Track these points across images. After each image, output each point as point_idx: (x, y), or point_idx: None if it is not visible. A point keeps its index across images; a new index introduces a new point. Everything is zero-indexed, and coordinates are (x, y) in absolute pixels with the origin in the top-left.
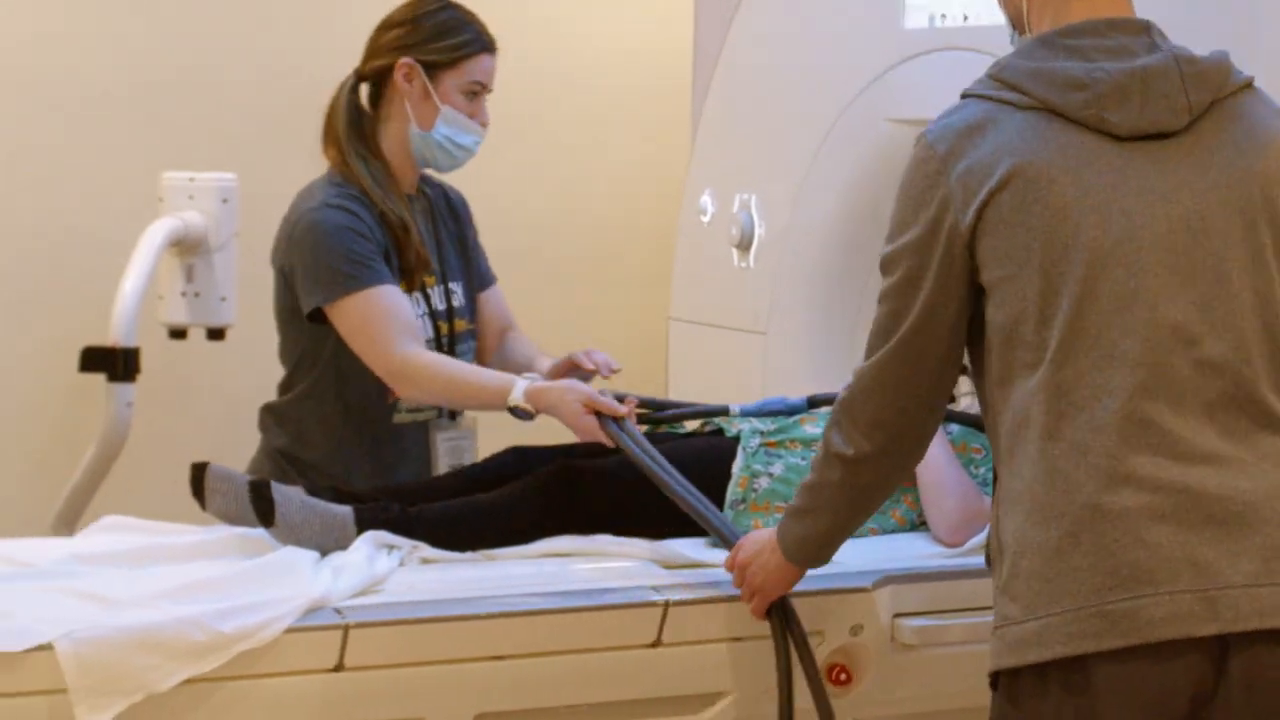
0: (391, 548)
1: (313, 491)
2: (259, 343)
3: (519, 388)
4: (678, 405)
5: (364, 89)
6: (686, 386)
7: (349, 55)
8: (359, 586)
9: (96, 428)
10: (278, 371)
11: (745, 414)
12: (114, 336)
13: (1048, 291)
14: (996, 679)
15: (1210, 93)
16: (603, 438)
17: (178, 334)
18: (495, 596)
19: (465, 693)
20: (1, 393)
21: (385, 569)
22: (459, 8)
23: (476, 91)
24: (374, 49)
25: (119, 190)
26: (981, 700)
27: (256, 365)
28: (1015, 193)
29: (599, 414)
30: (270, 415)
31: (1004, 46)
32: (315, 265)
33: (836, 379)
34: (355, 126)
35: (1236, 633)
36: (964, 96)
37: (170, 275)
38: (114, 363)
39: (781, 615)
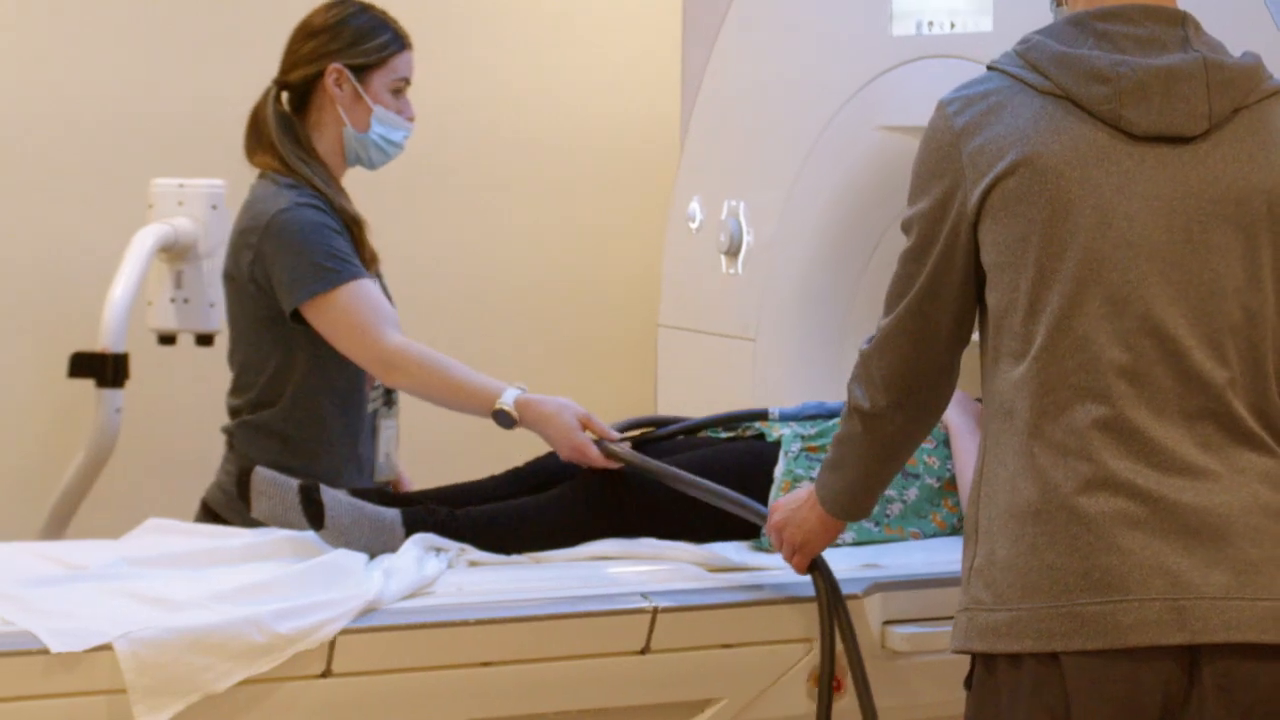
0: (439, 550)
1: (356, 494)
2: None
3: (509, 395)
4: (679, 420)
5: (285, 96)
6: (675, 393)
7: None
8: (410, 588)
9: (86, 433)
10: None
11: (784, 418)
12: (103, 342)
13: (1039, 285)
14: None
15: (1234, 100)
16: (590, 456)
17: (167, 340)
18: (502, 602)
19: (454, 699)
20: None
21: (434, 571)
22: (372, 8)
23: (401, 88)
24: (296, 58)
25: (109, 196)
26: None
27: None
28: (1021, 181)
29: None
30: (248, 432)
31: (989, 53)
32: (297, 263)
33: (826, 385)
34: (288, 133)
35: (1204, 644)
36: (989, 68)
37: (159, 281)
38: (103, 368)
39: (824, 571)
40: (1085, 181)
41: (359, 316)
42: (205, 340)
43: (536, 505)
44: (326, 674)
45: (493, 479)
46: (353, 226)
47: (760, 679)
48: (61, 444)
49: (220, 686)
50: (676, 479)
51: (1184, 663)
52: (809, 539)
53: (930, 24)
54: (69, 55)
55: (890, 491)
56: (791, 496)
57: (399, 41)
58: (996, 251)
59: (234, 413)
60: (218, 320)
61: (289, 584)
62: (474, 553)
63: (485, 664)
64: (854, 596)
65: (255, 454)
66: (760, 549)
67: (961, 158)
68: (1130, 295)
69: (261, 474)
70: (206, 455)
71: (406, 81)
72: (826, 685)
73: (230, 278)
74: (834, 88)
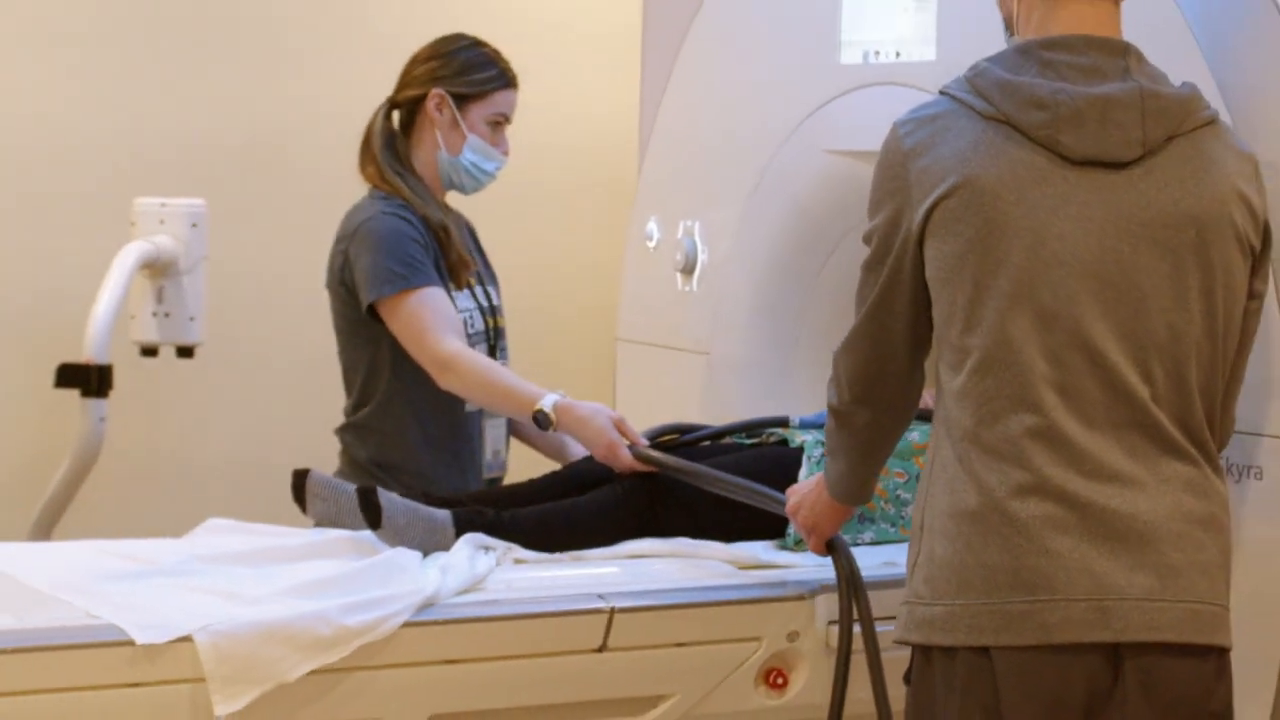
0: (488, 549)
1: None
2: (225, 361)
3: (548, 399)
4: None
5: (396, 114)
6: (634, 404)
7: (312, 92)
8: (463, 585)
9: (71, 441)
10: (243, 387)
11: (804, 425)
12: (88, 354)
13: (976, 300)
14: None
15: (1168, 128)
16: (622, 457)
17: (149, 352)
18: (491, 601)
19: (420, 695)
20: None
21: (484, 569)
22: (485, 45)
23: (499, 123)
24: (407, 79)
25: (93, 215)
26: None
27: (223, 382)
28: (960, 202)
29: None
30: (350, 433)
31: (933, 82)
32: (373, 266)
33: (777, 398)
34: (390, 148)
35: (1128, 642)
36: (940, 93)
37: (142, 296)
38: (88, 379)
39: (844, 553)
40: (1021, 203)
41: (421, 320)
42: (186, 352)
43: (576, 507)
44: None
45: (533, 482)
46: (440, 233)
47: (711, 676)
48: (48, 450)
49: (292, 676)
50: (703, 477)
51: (1108, 660)
52: (819, 521)
53: (877, 53)
54: (57, 80)
55: (905, 494)
56: (805, 483)
57: (503, 79)
58: (937, 268)
59: (345, 415)
60: (197, 333)
61: (352, 580)
62: (520, 551)
63: (450, 661)
64: (802, 597)
65: (359, 453)
66: (784, 548)
67: (909, 177)
68: (1061, 311)
69: (316, 477)
70: (186, 461)
71: (505, 117)
72: (844, 661)
73: (329, 284)
74: (785, 113)
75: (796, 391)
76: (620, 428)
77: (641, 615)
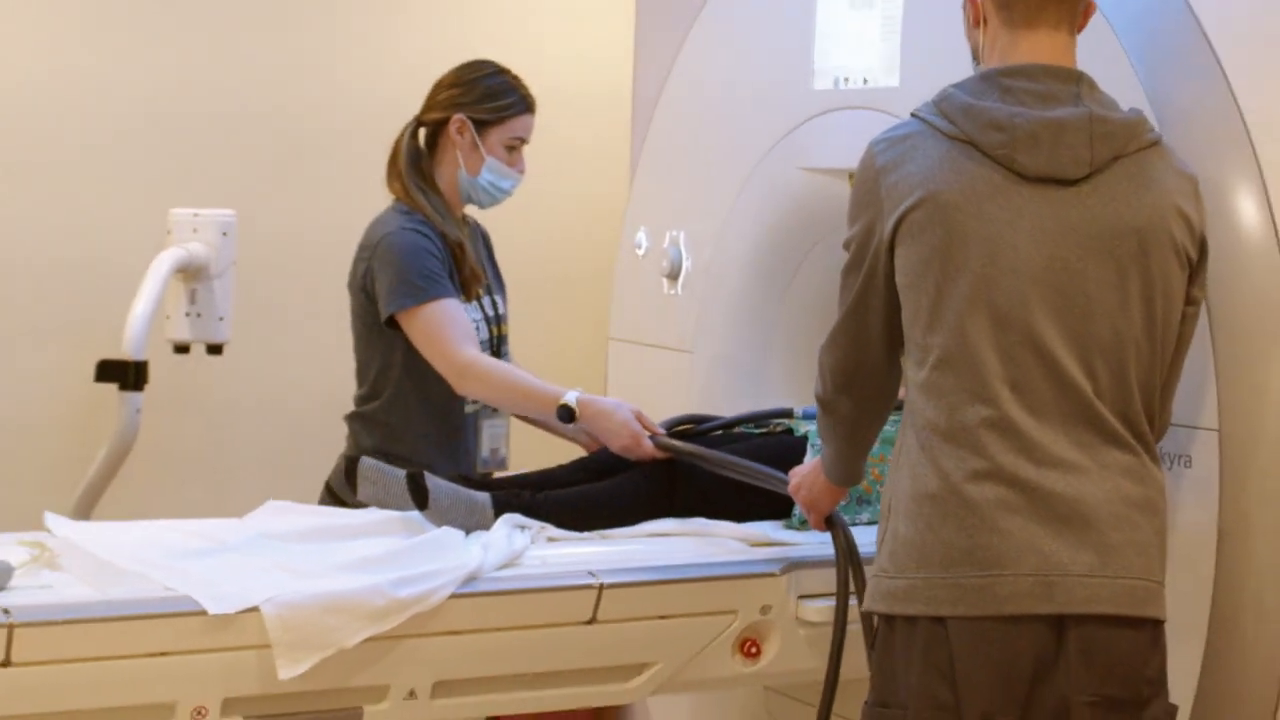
0: (524, 528)
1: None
2: (251, 358)
3: (571, 395)
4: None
5: (421, 132)
6: (624, 398)
7: (337, 108)
8: (503, 560)
9: (109, 430)
10: (266, 382)
11: (807, 416)
12: (126, 351)
13: (938, 303)
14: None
15: (1114, 149)
16: (644, 446)
17: (182, 349)
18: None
19: (425, 663)
20: (27, 399)
21: (521, 545)
22: (506, 72)
23: (516, 146)
24: (432, 102)
25: (132, 224)
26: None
27: (249, 377)
28: (924, 213)
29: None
30: (359, 422)
31: (897, 106)
32: (393, 279)
33: (754, 392)
34: (415, 165)
35: (1071, 614)
36: (912, 115)
37: (176, 298)
38: (125, 374)
39: (841, 528)
40: (979, 215)
41: (440, 330)
42: (215, 350)
43: (604, 490)
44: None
45: (563, 467)
46: (455, 250)
47: (691, 646)
48: (89, 439)
49: (350, 643)
50: (716, 462)
51: (1053, 629)
52: (817, 500)
53: (846, 79)
54: (99, 99)
55: None
56: (805, 466)
57: (521, 105)
58: (904, 274)
59: (355, 403)
60: (226, 332)
61: (404, 556)
62: (553, 530)
63: (453, 632)
64: (774, 574)
65: (365, 440)
66: (790, 527)
67: (881, 191)
68: (1014, 314)
69: (367, 463)
70: (214, 449)
71: (522, 140)
72: (840, 627)
73: (351, 287)
74: (763, 133)
75: (772, 386)
76: (640, 419)
77: (627, 590)
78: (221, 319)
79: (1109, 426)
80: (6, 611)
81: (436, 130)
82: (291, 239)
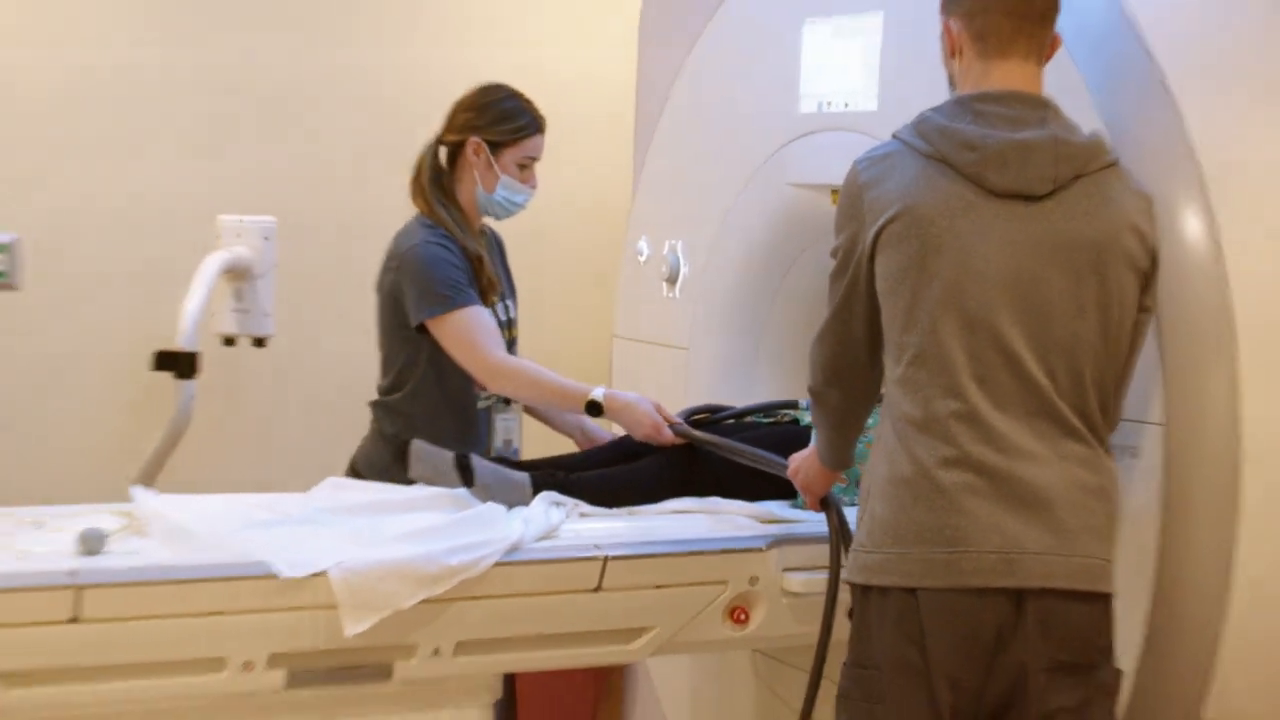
0: (559, 504)
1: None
2: (291, 350)
3: (598, 391)
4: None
5: (442, 151)
6: (627, 389)
7: (367, 126)
8: (541, 533)
9: (166, 414)
10: (305, 372)
11: (809, 406)
12: (180, 343)
13: (913, 307)
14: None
15: (1076, 169)
16: (664, 434)
17: (229, 342)
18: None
19: (449, 625)
20: (92, 386)
21: (557, 520)
22: (519, 96)
23: (528, 164)
24: (451, 124)
25: (186, 229)
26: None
27: (289, 367)
28: (902, 225)
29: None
30: (382, 409)
31: (875, 128)
32: (422, 289)
33: (744, 386)
34: (436, 182)
35: (1030, 588)
36: (893, 136)
37: (223, 296)
38: (180, 363)
39: (835, 509)
40: (952, 227)
41: (469, 335)
42: (259, 343)
43: (630, 472)
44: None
45: (591, 452)
46: (474, 261)
47: (686, 612)
48: (148, 421)
49: (406, 604)
50: (727, 448)
51: (1013, 601)
52: (812, 482)
53: (829, 103)
54: (156, 121)
55: None
56: (803, 452)
57: (533, 127)
58: (883, 280)
59: (378, 393)
60: (269, 327)
61: (454, 528)
62: (585, 507)
63: (474, 598)
64: (761, 549)
65: (387, 427)
66: (796, 506)
67: (863, 205)
68: (982, 317)
69: (418, 445)
70: (260, 431)
71: (533, 159)
72: (832, 598)
73: (378, 291)
74: (753, 151)
75: (760, 381)
76: (659, 410)
77: (629, 562)
78: (265, 315)
79: (1067, 420)
80: (74, 574)
81: (455, 150)
82: (326, 244)
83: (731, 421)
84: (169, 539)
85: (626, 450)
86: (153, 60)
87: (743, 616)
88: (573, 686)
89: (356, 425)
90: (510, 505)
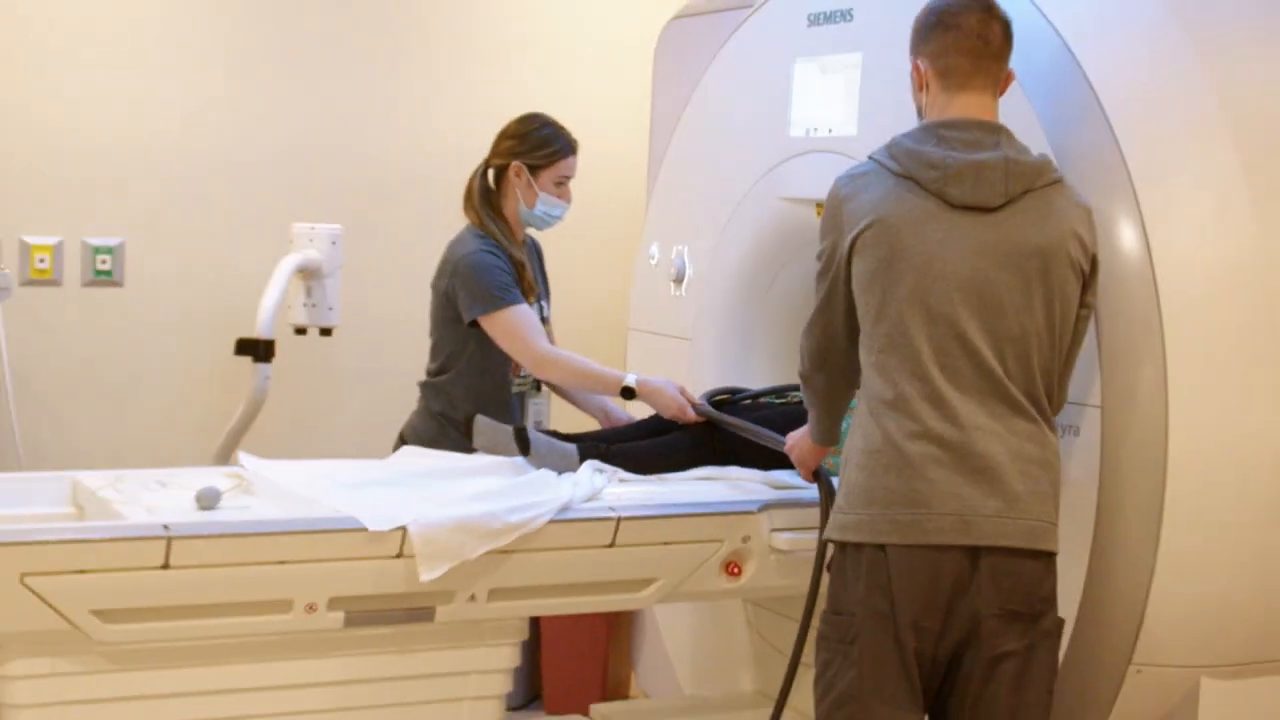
0: (601, 471)
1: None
2: (353, 339)
3: (631, 377)
4: (757, 391)
5: (489, 172)
6: (640, 373)
7: (418, 150)
8: (588, 495)
9: (245, 393)
10: (364, 358)
11: None
12: (258, 331)
13: (884, 303)
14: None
15: (1024, 185)
16: (688, 414)
17: (300, 331)
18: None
19: (483, 574)
20: (183, 368)
21: (601, 485)
22: (554, 124)
23: (563, 182)
24: (496, 150)
25: (264, 235)
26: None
27: (351, 353)
28: (874, 233)
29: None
30: (429, 389)
31: (854, 150)
32: (475, 290)
33: (739, 372)
34: (485, 199)
35: (983, 546)
36: (869, 158)
37: (296, 292)
38: (257, 349)
39: (824, 479)
40: (917, 235)
41: (518, 330)
42: (326, 332)
43: (660, 444)
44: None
45: (628, 427)
46: (518, 268)
47: (687, 566)
48: (229, 399)
49: (473, 555)
50: (738, 426)
51: (968, 557)
52: (805, 457)
53: (815, 129)
54: (240, 139)
55: None
56: (799, 430)
57: (567, 150)
58: (858, 279)
59: (426, 374)
60: (335, 319)
61: (514, 490)
62: (623, 474)
63: (504, 551)
64: (753, 512)
65: (433, 405)
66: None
67: (842, 216)
68: (943, 312)
69: (481, 419)
70: (326, 408)
71: (567, 177)
72: (820, 558)
73: (434, 288)
74: (750, 170)
75: (753, 367)
76: (684, 393)
77: (639, 523)
78: (331, 308)
79: (1016, 401)
80: (166, 527)
81: (500, 172)
82: (385, 249)
83: (748, 402)
84: (272, 497)
85: (656, 427)
86: (237, 95)
87: (736, 570)
88: (589, 629)
89: (405, 404)
90: (560, 472)
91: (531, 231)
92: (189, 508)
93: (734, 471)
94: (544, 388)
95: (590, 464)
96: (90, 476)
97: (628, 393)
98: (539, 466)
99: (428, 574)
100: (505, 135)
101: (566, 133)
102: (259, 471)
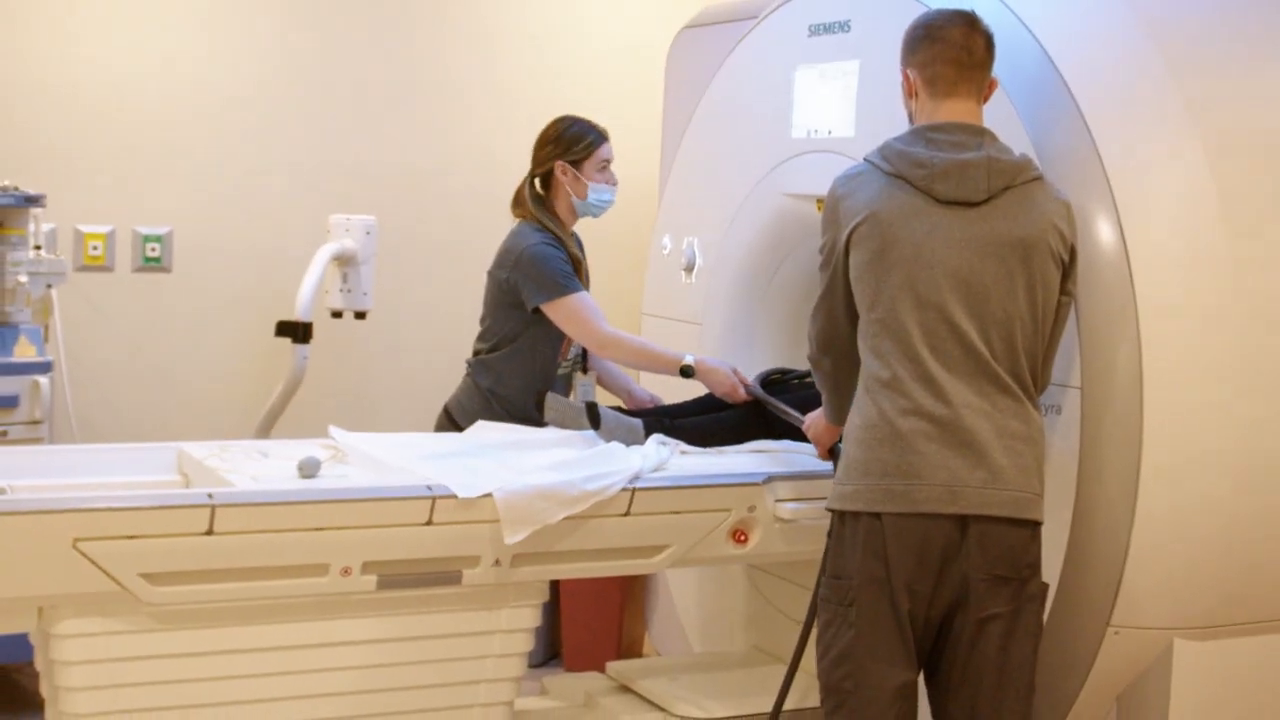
0: (665, 444)
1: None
2: (387, 322)
3: (689, 358)
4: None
5: (536, 180)
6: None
7: (454, 142)
8: (654, 466)
9: (284, 372)
10: (398, 339)
11: None
12: (297, 314)
13: (878, 291)
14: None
15: (1005, 181)
16: (739, 394)
17: (337, 315)
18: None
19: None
20: (226, 348)
21: (666, 456)
22: (582, 120)
23: (605, 166)
24: (538, 158)
25: (304, 225)
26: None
27: (386, 336)
28: (868, 227)
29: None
30: (479, 366)
31: (851, 150)
32: (540, 279)
33: (745, 355)
34: (538, 204)
35: (970, 515)
36: (864, 159)
37: (333, 278)
38: (296, 331)
39: (836, 455)
40: (907, 229)
41: (581, 315)
42: (361, 316)
43: (720, 419)
44: (429, 524)
45: (687, 403)
46: (574, 259)
47: (697, 533)
48: (269, 378)
49: (552, 520)
50: (771, 405)
51: (957, 526)
52: (820, 435)
53: (815, 131)
54: (281, 138)
55: None
56: (816, 410)
57: (599, 139)
58: (854, 270)
59: (475, 353)
60: (369, 304)
61: (587, 461)
62: (685, 446)
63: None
64: (758, 484)
65: (481, 380)
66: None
67: (840, 213)
68: (932, 298)
69: (553, 396)
70: (361, 387)
71: (608, 161)
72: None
73: (493, 276)
74: (756, 167)
75: (758, 350)
76: (737, 374)
77: (653, 493)
78: (365, 294)
79: (1001, 380)
80: (210, 496)
81: (547, 177)
82: (417, 238)
83: (796, 381)
84: (366, 466)
85: (712, 404)
86: (277, 87)
87: (743, 538)
88: (605, 592)
89: (434, 382)
90: (628, 444)
91: (583, 221)
92: (291, 475)
93: (786, 444)
94: (589, 370)
95: (655, 437)
96: (195, 447)
97: (687, 371)
98: (608, 439)
99: (511, 537)
100: (543, 142)
101: (595, 124)
102: (351, 443)
